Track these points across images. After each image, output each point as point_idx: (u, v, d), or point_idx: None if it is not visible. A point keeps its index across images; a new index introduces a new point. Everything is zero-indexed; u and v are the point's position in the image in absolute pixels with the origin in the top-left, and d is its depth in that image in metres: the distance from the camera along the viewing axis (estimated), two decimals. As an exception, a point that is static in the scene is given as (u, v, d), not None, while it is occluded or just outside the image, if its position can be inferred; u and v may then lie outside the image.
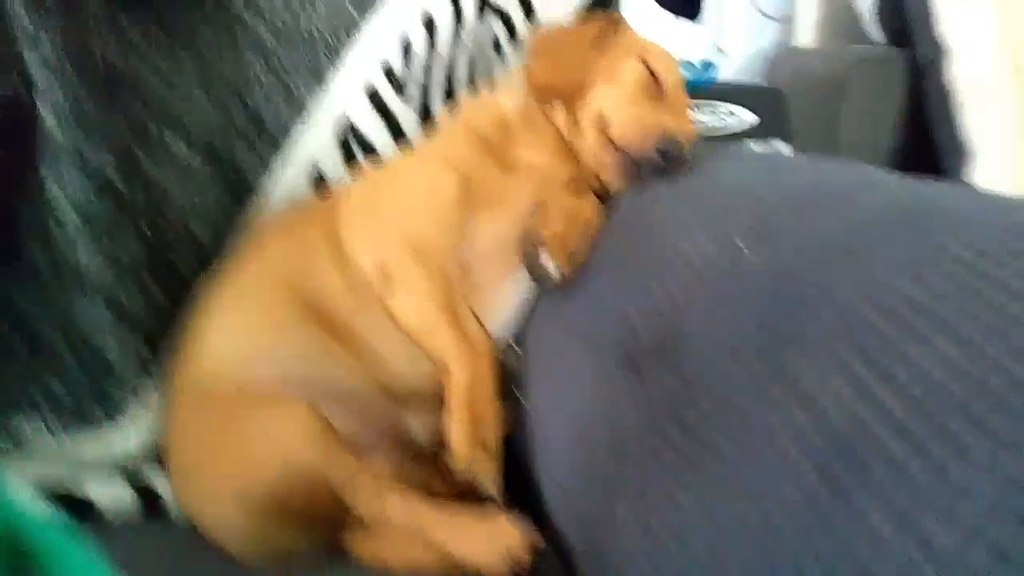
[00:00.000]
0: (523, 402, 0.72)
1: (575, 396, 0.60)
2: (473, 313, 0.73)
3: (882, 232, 0.43)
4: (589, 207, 0.74)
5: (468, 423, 0.68)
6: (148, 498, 0.74)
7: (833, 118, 1.78)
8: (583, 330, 0.62)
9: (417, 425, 0.76)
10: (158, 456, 0.76)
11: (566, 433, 0.60)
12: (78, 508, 0.71)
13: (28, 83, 0.75)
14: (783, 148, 1.81)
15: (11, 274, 0.76)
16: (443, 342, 0.70)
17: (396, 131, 0.91)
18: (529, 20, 0.93)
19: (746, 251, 0.50)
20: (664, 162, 0.70)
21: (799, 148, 1.82)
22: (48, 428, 0.73)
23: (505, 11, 0.92)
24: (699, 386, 0.46)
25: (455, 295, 0.72)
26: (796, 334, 0.41)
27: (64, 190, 0.72)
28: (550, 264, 0.68)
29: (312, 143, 0.86)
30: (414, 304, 0.72)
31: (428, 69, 0.91)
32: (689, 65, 1.69)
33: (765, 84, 2.15)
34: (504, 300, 0.76)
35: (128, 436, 0.76)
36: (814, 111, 1.81)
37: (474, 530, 0.63)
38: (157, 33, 0.78)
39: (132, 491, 0.74)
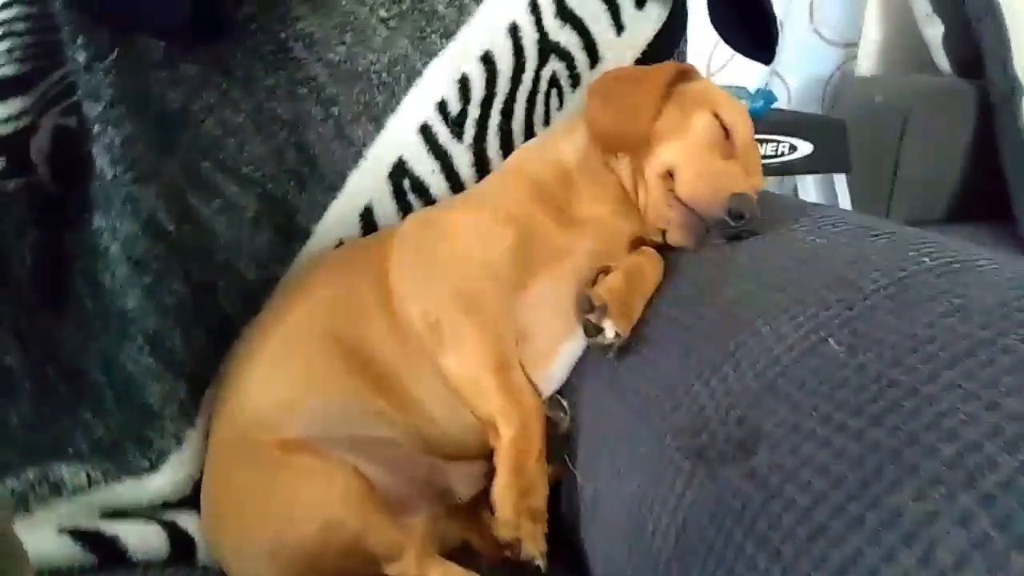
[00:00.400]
0: (571, 467, 0.68)
1: (632, 476, 0.56)
2: (525, 373, 0.70)
3: (1003, 343, 0.39)
4: (651, 266, 0.70)
5: (516, 489, 0.65)
6: (178, 540, 0.72)
7: (893, 151, 1.71)
8: (643, 404, 0.59)
9: (457, 478, 0.73)
10: (192, 499, 0.74)
11: (622, 513, 0.57)
12: (104, 546, 0.70)
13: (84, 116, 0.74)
14: (840, 182, 1.75)
15: (58, 316, 0.75)
16: (493, 403, 0.68)
17: (449, 171, 0.88)
18: (593, 68, 0.90)
19: (840, 350, 0.46)
20: (734, 224, 0.66)
21: (856, 181, 1.76)
22: (88, 477, 0.71)
23: (569, 53, 0.88)
24: (779, 497, 0.42)
25: (507, 354, 0.69)
26: (904, 463, 0.37)
27: (116, 238, 0.71)
28: (609, 326, 0.64)
29: (364, 184, 0.84)
30: (464, 361, 0.69)
31: (484, 106, 0.88)
32: (745, 93, 1.64)
33: (822, 111, 2.09)
34: (558, 361, 0.72)
35: (165, 482, 0.74)
36: (874, 143, 1.74)
37: (521, 612, 0.60)
38: (213, 72, 0.77)
39: (163, 532, 0.72)
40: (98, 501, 0.72)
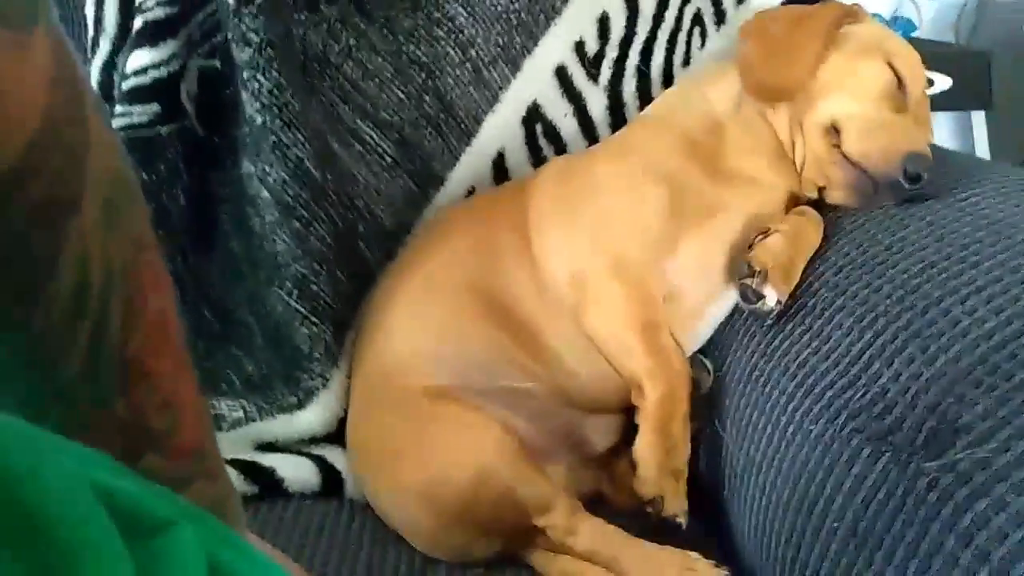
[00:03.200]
0: (720, 431, 0.68)
1: (799, 451, 0.55)
2: (671, 334, 0.69)
3: None
4: (812, 227, 0.67)
5: (660, 449, 0.65)
6: (328, 474, 0.75)
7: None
8: (809, 379, 0.57)
9: (594, 431, 0.74)
10: (338, 434, 0.77)
11: (785, 486, 0.56)
12: (263, 476, 0.73)
13: (229, 59, 0.74)
14: (978, 121, 1.63)
15: (208, 257, 0.78)
16: (640, 364, 0.67)
17: (582, 115, 0.86)
18: (740, 3, 0.84)
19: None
20: (909, 187, 0.62)
21: (994, 119, 1.63)
22: (245, 412, 0.75)
23: (716, -12, 0.83)
24: (987, 496, 0.41)
25: (655, 314, 0.68)
26: None
27: (265, 183, 0.72)
28: (770, 293, 0.62)
29: (498, 130, 0.83)
30: (610, 322, 0.68)
31: (623, 46, 0.84)
32: (880, 20, 1.52)
33: (955, 41, 1.92)
34: (705, 321, 0.71)
35: (313, 419, 0.77)
36: (1017, 77, 1.60)
37: (672, 572, 0.61)
38: (353, 13, 0.75)
39: (314, 466, 0.75)
40: (254, 434, 0.75)
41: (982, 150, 1.57)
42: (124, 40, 0.75)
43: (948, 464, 0.43)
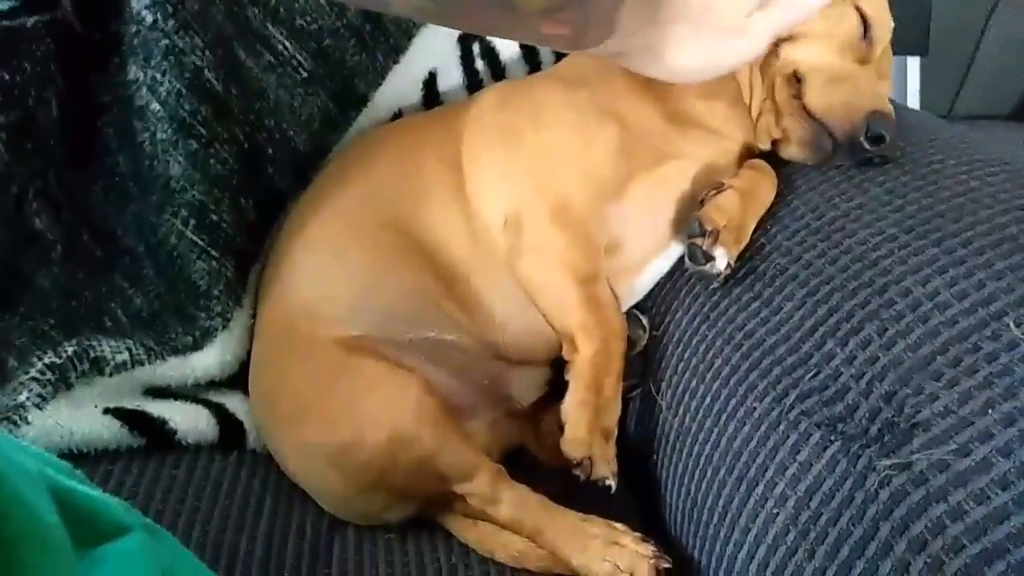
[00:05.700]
0: (654, 393, 0.64)
1: (739, 427, 0.52)
2: (610, 288, 0.64)
3: None
4: (766, 184, 0.62)
5: (591, 407, 0.61)
6: (227, 424, 0.69)
7: (975, 35, 1.57)
8: (755, 351, 0.54)
9: (520, 384, 0.70)
10: (240, 378, 0.70)
11: (723, 462, 0.53)
12: (153, 428, 0.66)
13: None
14: (912, 66, 1.62)
15: (88, 174, 0.67)
16: (574, 317, 0.62)
17: (525, 37, 0.78)
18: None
19: (1022, 337, 0.40)
20: (870, 148, 0.58)
21: (928, 66, 1.63)
22: (131, 354, 0.66)
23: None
24: (944, 502, 0.38)
25: (595, 265, 0.63)
26: None
27: (156, 94, 0.62)
28: (721, 255, 0.58)
29: (431, 46, 0.74)
30: (547, 271, 0.63)
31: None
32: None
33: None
34: (645, 275, 0.66)
35: (211, 361, 0.70)
36: (953, 23, 1.59)
37: (597, 544, 0.58)
38: None
39: (211, 416, 0.68)
40: (142, 378, 0.67)
41: (913, 98, 1.57)
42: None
43: (903, 462, 0.41)
